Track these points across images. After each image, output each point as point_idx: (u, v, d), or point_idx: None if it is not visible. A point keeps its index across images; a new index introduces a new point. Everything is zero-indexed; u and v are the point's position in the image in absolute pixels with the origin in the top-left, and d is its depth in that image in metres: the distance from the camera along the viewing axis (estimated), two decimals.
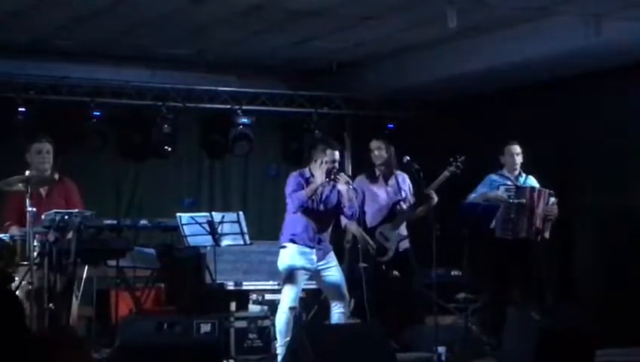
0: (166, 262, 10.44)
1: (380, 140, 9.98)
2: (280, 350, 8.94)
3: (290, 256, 8.91)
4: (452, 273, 11.06)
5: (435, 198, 9.60)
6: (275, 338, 9.28)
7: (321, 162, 8.76)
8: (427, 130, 12.87)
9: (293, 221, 8.93)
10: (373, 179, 9.88)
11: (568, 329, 8.48)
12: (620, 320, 10.33)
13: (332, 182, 8.78)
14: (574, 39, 10.51)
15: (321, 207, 8.89)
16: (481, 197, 10.27)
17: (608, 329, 9.05)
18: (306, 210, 8.82)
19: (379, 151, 9.89)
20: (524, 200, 10.17)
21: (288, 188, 8.90)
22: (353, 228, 9.67)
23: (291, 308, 8.91)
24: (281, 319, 8.88)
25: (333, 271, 8.99)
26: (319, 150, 8.87)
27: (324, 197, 8.91)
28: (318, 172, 8.76)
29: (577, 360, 8.29)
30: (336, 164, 8.83)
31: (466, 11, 9.69)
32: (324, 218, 8.94)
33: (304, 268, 8.88)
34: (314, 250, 8.86)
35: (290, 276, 8.93)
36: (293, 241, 8.89)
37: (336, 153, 8.86)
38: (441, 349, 9.48)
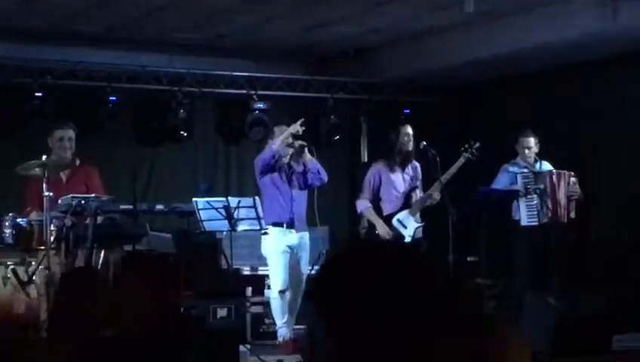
0: (182, 247, 10.44)
1: (410, 127, 10.00)
2: (281, 331, 9.21)
3: (272, 240, 9.34)
4: (468, 259, 11.07)
5: (437, 197, 9.71)
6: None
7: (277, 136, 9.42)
8: (443, 116, 12.85)
9: (269, 200, 9.42)
10: (391, 165, 9.87)
11: (585, 314, 8.46)
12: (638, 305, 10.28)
13: (293, 152, 9.39)
14: (591, 24, 10.46)
15: (290, 179, 9.39)
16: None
17: (627, 314, 9.02)
18: (276, 185, 9.36)
19: (409, 137, 9.88)
20: (542, 186, 10.14)
21: (255, 166, 9.55)
22: (369, 215, 9.71)
23: (281, 292, 9.20)
24: (274, 304, 9.36)
25: (304, 254, 9.42)
26: (272, 133, 9.63)
27: (289, 169, 9.42)
28: (281, 148, 9.35)
29: (595, 345, 8.27)
30: (289, 136, 9.39)
31: None
32: (295, 189, 9.40)
33: (287, 250, 9.32)
34: (293, 229, 9.32)
35: (274, 261, 9.35)
36: (274, 224, 9.33)
37: (283, 126, 9.53)
38: None
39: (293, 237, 9.35)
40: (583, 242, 11.35)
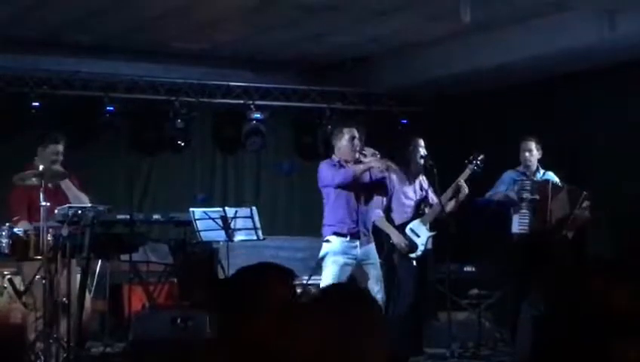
0: (179, 257, 10.44)
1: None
2: None
3: (333, 250, 8.90)
4: (465, 269, 11.06)
5: (466, 189, 9.59)
6: None
7: (347, 141, 8.97)
8: (440, 126, 12.84)
9: (334, 209, 8.96)
10: (404, 176, 9.83)
11: (582, 325, 8.44)
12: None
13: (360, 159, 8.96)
14: (588, 34, 10.48)
15: (357, 187, 8.95)
16: (494, 196, 10.23)
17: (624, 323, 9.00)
18: (343, 194, 8.89)
19: (424, 150, 9.84)
20: (537, 197, 10.10)
21: (326, 173, 8.99)
22: (383, 224, 9.60)
23: None
24: None
25: (371, 268, 8.96)
26: (336, 135, 9.09)
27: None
28: (347, 153, 8.94)
29: (592, 355, 8.25)
30: (357, 141, 9.01)
31: (480, 6, 9.65)
32: (361, 198, 8.99)
33: (347, 263, 8.89)
34: (357, 241, 8.91)
35: (329, 271, 8.90)
36: (336, 234, 8.90)
37: (353, 129, 9.06)
38: (455, 345, 9.48)
39: (356, 250, 8.93)
40: (579, 252, 11.34)
